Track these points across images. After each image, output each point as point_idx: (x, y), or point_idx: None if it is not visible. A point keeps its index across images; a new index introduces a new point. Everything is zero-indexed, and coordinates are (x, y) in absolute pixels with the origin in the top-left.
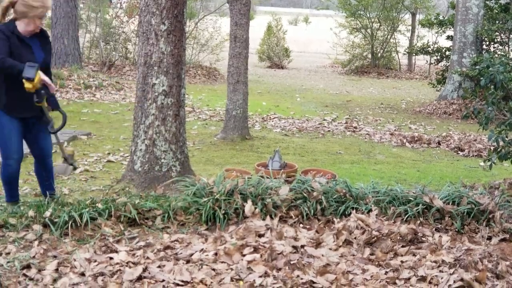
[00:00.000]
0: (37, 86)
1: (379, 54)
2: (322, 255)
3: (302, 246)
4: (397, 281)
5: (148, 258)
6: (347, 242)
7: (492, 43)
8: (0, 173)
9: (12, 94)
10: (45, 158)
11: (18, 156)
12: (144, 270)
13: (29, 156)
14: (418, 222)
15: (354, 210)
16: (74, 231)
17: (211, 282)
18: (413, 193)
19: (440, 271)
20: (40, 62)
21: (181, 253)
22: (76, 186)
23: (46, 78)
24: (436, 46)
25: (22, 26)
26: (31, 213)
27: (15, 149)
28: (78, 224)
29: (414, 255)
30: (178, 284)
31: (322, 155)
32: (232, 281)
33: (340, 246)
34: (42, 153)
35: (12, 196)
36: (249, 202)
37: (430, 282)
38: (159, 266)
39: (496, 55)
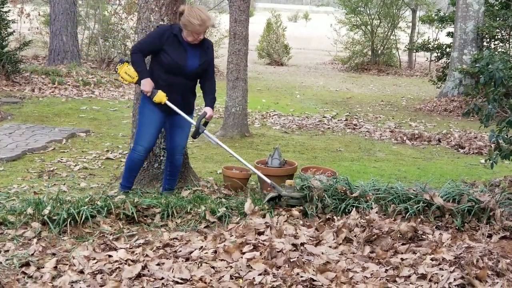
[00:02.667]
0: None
1: (379, 51)
2: (322, 253)
3: (302, 244)
4: (397, 279)
5: (147, 255)
6: (347, 240)
7: (493, 40)
8: (127, 157)
9: (161, 87)
10: (175, 154)
11: (147, 146)
12: (143, 268)
13: (27, 154)
14: (419, 220)
15: (354, 208)
16: (73, 229)
17: (211, 280)
18: (414, 190)
19: (441, 269)
20: (191, 69)
21: (181, 251)
22: (74, 183)
23: (172, 106)
24: (436, 43)
25: (184, 33)
26: (29, 210)
27: (146, 139)
28: (77, 222)
29: (414, 253)
30: (177, 282)
31: (322, 152)
32: (232, 279)
33: (340, 244)
34: (173, 149)
35: (128, 182)
36: (249, 200)
37: (430, 280)
38: (158, 264)
39: (497, 52)
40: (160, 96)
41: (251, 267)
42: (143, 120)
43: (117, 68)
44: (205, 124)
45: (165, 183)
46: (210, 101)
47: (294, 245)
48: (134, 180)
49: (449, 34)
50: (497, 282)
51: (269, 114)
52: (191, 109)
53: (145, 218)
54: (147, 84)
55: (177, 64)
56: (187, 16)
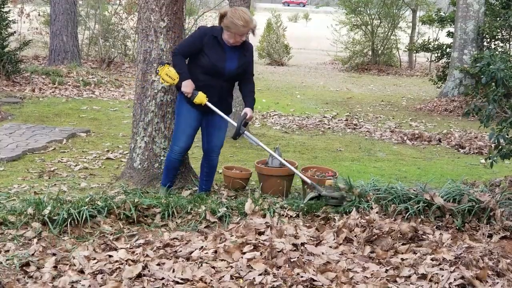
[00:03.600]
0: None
1: (380, 51)
2: (322, 253)
3: (302, 244)
4: (397, 279)
5: (147, 256)
6: (348, 240)
7: (493, 40)
8: (166, 157)
9: (199, 88)
10: (211, 154)
11: (184, 146)
12: (144, 268)
13: (28, 154)
14: (419, 220)
15: (354, 208)
16: (73, 229)
17: (211, 280)
18: (414, 190)
19: (441, 269)
20: (229, 71)
21: (181, 251)
22: (75, 183)
23: (211, 105)
24: (436, 43)
25: (225, 36)
26: (30, 210)
27: (183, 139)
28: (77, 222)
29: (414, 253)
30: (177, 282)
31: (322, 152)
32: (232, 279)
33: (340, 244)
34: (209, 148)
35: (168, 181)
36: (249, 200)
37: (430, 280)
38: (158, 264)
39: (497, 52)
40: (201, 97)
41: (252, 267)
42: (180, 120)
43: (158, 70)
44: (245, 124)
45: (201, 184)
46: (250, 102)
47: (294, 245)
48: (174, 178)
49: (449, 34)
50: (498, 282)
51: (270, 114)
52: (229, 110)
53: (145, 218)
54: (188, 86)
55: (215, 66)
56: (231, 18)
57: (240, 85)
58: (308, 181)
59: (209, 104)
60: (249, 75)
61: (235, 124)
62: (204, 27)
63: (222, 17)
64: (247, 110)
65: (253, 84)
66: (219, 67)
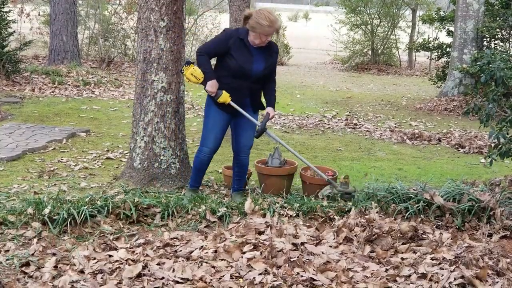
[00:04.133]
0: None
1: (380, 51)
2: (322, 253)
3: (302, 244)
4: (397, 278)
5: (147, 255)
6: (348, 240)
7: (493, 39)
8: (194, 158)
9: (228, 91)
10: (240, 154)
11: (213, 147)
12: (144, 267)
13: (28, 154)
14: (419, 219)
15: (354, 208)
16: (73, 229)
17: (211, 280)
18: (414, 190)
19: (441, 268)
20: (256, 73)
21: (181, 250)
22: (75, 183)
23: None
24: (436, 42)
25: (251, 37)
26: (30, 210)
27: (212, 140)
28: (77, 222)
29: (414, 252)
30: (177, 282)
31: (322, 152)
32: (232, 278)
33: (340, 244)
34: (239, 149)
35: (196, 182)
36: (249, 199)
37: (430, 279)
38: (158, 264)
39: (497, 52)
40: (225, 97)
41: (252, 267)
42: (208, 121)
43: (183, 69)
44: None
45: (234, 184)
46: (272, 101)
47: (294, 244)
48: (202, 180)
49: (449, 33)
50: (497, 282)
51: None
52: (262, 108)
53: (145, 218)
54: (213, 85)
55: (243, 68)
56: (256, 18)
57: (263, 85)
58: (325, 177)
59: (233, 104)
60: (273, 75)
61: (257, 123)
62: (229, 29)
63: (246, 18)
64: (269, 109)
65: (275, 83)
66: (247, 69)
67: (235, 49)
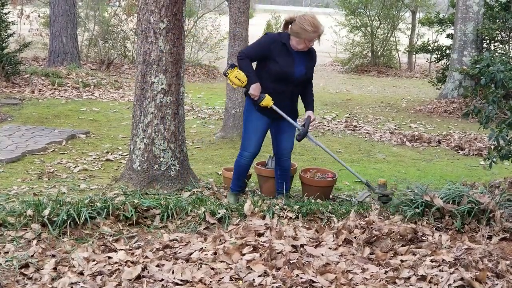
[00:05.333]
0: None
1: (379, 53)
2: (322, 255)
3: (302, 246)
4: (397, 280)
5: (147, 257)
6: (347, 242)
7: (493, 41)
8: (235, 162)
9: (271, 95)
10: (281, 157)
11: (254, 151)
12: (143, 269)
13: (27, 155)
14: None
15: (353, 210)
16: (72, 230)
17: (210, 282)
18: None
19: (440, 270)
20: (298, 77)
21: (180, 252)
22: (74, 185)
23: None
24: (436, 44)
25: (293, 42)
26: (29, 212)
27: (253, 144)
28: (77, 223)
29: (414, 254)
30: (177, 284)
31: (322, 154)
32: (232, 280)
33: (340, 246)
34: (280, 153)
35: (237, 186)
36: (248, 201)
37: (430, 282)
38: (158, 266)
39: (497, 54)
40: (267, 100)
41: (251, 269)
42: (249, 126)
43: (227, 72)
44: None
45: (278, 187)
46: (311, 105)
47: (294, 246)
48: (244, 183)
49: (449, 35)
50: (497, 284)
51: None
52: (296, 113)
53: (144, 220)
54: (256, 89)
55: (285, 73)
56: (300, 24)
57: (301, 89)
58: (363, 180)
59: (275, 107)
60: (311, 79)
61: (298, 126)
62: (271, 33)
63: (287, 23)
64: (310, 113)
65: (312, 87)
66: (289, 73)
67: (277, 54)
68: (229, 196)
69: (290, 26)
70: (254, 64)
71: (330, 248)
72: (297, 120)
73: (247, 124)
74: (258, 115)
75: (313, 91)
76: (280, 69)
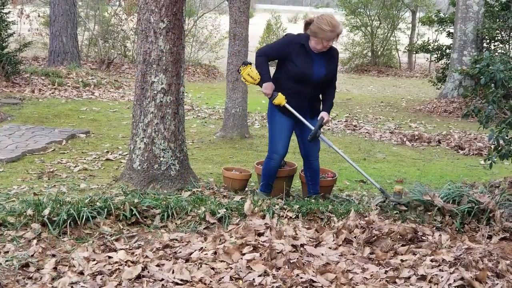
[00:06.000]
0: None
1: (379, 52)
2: (322, 254)
3: (302, 245)
4: (397, 280)
5: (147, 257)
6: (347, 241)
7: (493, 41)
8: (264, 164)
9: (289, 96)
10: (309, 158)
11: (282, 153)
12: (143, 269)
13: (27, 155)
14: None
15: (353, 209)
16: (72, 230)
17: (211, 281)
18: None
19: (440, 270)
20: (317, 78)
21: (180, 252)
22: (74, 184)
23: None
24: (436, 44)
25: (312, 43)
26: (29, 211)
27: (280, 146)
28: (77, 223)
29: (414, 254)
30: (177, 283)
31: (322, 153)
32: (232, 280)
33: (340, 245)
34: (307, 153)
35: (267, 188)
36: (248, 201)
37: (430, 281)
38: (158, 265)
39: (497, 53)
40: (280, 99)
41: (251, 268)
42: (274, 128)
43: (240, 69)
44: (320, 127)
45: (309, 189)
46: (328, 107)
47: (294, 246)
48: (272, 184)
49: (449, 35)
50: (497, 284)
51: None
52: (318, 113)
53: (145, 219)
54: (268, 87)
55: (304, 74)
56: (318, 24)
57: (323, 90)
58: (378, 185)
59: (288, 106)
60: (334, 81)
61: (313, 128)
62: (291, 34)
63: (307, 24)
64: (324, 114)
65: (334, 88)
66: (308, 74)
67: (296, 55)
68: (260, 195)
69: (309, 26)
70: (273, 64)
71: (330, 248)
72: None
73: (271, 126)
74: (281, 116)
75: (334, 93)
76: (298, 70)
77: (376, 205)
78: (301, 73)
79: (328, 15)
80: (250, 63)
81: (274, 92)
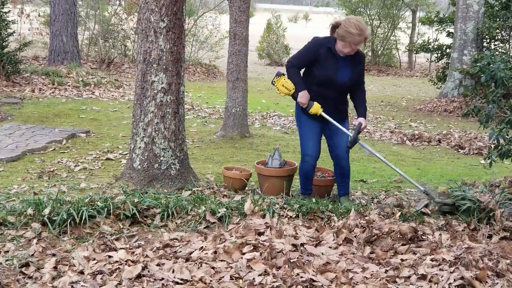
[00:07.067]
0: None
1: (380, 52)
2: (322, 254)
3: (302, 245)
4: (397, 279)
5: (147, 256)
6: (347, 241)
7: (493, 40)
8: (299, 167)
9: (314, 99)
10: (339, 160)
11: (314, 154)
12: (143, 268)
13: (27, 154)
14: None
15: (353, 209)
16: (73, 229)
17: (211, 281)
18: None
19: (441, 269)
20: (342, 82)
21: (181, 251)
22: (75, 184)
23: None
24: (436, 43)
25: (339, 46)
26: (29, 211)
27: (311, 147)
28: (77, 222)
29: (414, 253)
30: (177, 283)
31: (322, 153)
32: (232, 279)
33: (340, 245)
34: (337, 154)
35: (306, 189)
36: (248, 200)
37: (430, 281)
38: (158, 264)
39: (497, 53)
40: (316, 108)
41: (251, 268)
42: (303, 130)
43: (274, 81)
44: (358, 133)
45: (339, 190)
46: (362, 112)
47: (294, 245)
48: (311, 184)
49: (449, 34)
50: (497, 283)
51: (269, 115)
52: (345, 116)
53: (145, 219)
54: (304, 96)
55: (329, 77)
56: (345, 27)
57: (352, 94)
58: (421, 188)
59: (324, 114)
60: (362, 84)
61: (348, 133)
62: (318, 37)
63: (334, 27)
64: (361, 119)
65: (364, 92)
66: (332, 78)
67: (323, 58)
68: (301, 197)
69: (336, 30)
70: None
71: (330, 247)
72: (348, 124)
73: (300, 129)
74: (308, 118)
75: (365, 97)
76: (324, 74)
77: (422, 208)
78: (326, 77)
79: (355, 18)
80: (284, 74)
81: (310, 102)
